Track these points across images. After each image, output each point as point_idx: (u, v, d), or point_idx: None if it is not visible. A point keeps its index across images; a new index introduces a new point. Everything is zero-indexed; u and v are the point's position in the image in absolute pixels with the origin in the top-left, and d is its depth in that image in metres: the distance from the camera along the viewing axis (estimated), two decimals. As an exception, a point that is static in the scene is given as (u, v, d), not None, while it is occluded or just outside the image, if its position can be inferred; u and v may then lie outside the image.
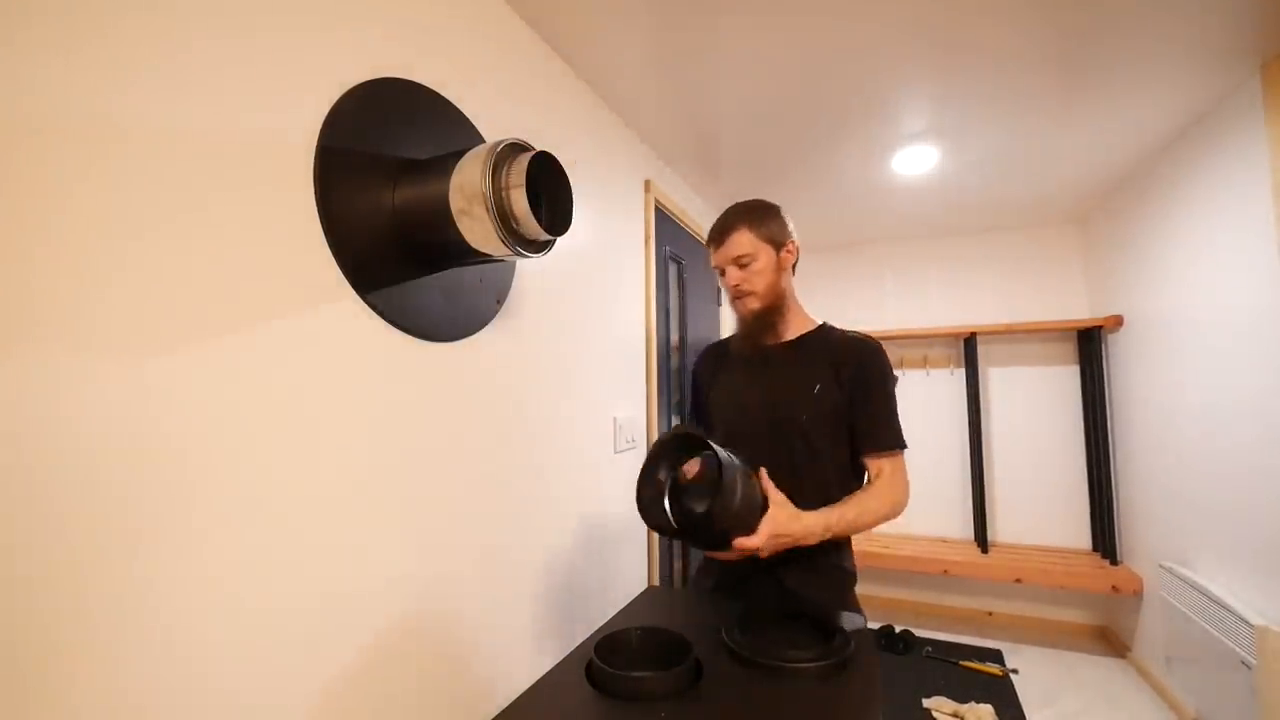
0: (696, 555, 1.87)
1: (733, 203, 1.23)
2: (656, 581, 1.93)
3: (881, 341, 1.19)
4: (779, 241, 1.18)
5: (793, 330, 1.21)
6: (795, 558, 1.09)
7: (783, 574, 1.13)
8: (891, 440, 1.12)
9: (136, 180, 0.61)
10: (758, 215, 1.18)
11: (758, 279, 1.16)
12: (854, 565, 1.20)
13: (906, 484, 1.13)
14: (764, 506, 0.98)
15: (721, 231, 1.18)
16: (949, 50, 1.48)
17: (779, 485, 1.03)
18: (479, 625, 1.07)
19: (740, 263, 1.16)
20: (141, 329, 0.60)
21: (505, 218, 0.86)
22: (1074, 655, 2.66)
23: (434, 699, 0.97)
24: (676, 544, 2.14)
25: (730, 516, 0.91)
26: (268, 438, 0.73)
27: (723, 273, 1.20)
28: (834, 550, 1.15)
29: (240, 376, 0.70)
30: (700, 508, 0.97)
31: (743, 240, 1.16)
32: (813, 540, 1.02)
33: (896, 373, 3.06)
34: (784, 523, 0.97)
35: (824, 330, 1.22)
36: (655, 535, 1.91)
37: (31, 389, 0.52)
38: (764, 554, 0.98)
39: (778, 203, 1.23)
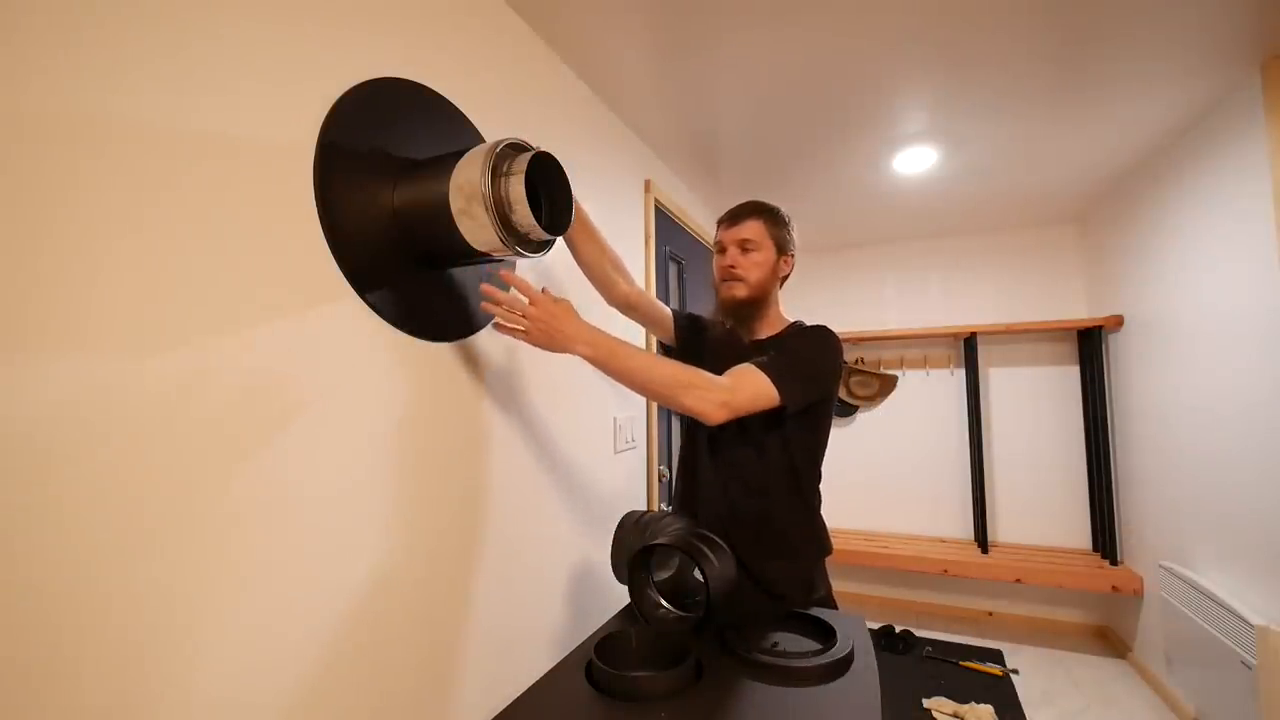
0: None
1: (739, 200, 1.23)
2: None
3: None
4: (783, 247, 1.22)
5: (765, 332, 1.24)
6: (765, 543, 1.13)
7: (753, 560, 1.13)
8: (769, 366, 1.03)
9: (135, 180, 0.61)
10: (774, 215, 1.22)
11: (753, 269, 1.19)
12: (826, 546, 1.21)
13: (729, 388, 0.99)
14: (731, 546, 1.03)
15: (738, 214, 1.22)
16: (949, 50, 1.48)
17: (726, 476, 1.14)
18: (478, 624, 1.07)
19: (744, 246, 1.19)
20: (140, 328, 0.60)
21: (505, 217, 0.87)
22: (1074, 655, 2.66)
23: (433, 699, 0.97)
24: None
25: (724, 581, 0.96)
26: (267, 437, 0.73)
27: (723, 250, 1.22)
28: (804, 530, 1.18)
29: (239, 376, 0.70)
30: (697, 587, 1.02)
31: (755, 228, 1.20)
32: (579, 342, 0.95)
33: (896, 373, 3.13)
34: (561, 307, 0.96)
35: (790, 327, 1.24)
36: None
37: (32, 389, 0.52)
38: (534, 322, 0.94)
39: (778, 204, 1.27)
